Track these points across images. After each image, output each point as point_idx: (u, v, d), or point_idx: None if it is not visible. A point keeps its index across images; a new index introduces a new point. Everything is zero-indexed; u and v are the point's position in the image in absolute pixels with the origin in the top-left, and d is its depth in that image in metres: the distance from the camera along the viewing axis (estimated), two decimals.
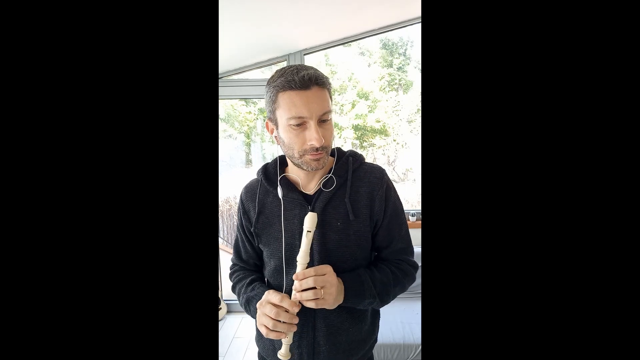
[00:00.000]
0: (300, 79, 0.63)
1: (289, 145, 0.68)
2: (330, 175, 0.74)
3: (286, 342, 0.67)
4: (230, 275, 0.87)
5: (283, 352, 0.67)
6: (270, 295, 0.67)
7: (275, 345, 0.77)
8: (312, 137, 0.65)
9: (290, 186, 0.75)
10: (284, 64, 2.28)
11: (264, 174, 0.78)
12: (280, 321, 0.65)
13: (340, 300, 0.68)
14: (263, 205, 0.77)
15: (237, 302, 0.83)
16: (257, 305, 0.69)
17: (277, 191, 0.75)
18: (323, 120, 0.66)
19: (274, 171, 0.78)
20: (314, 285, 0.64)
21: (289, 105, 0.64)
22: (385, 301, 0.74)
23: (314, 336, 0.74)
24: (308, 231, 0.64)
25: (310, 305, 0.64)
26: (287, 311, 0.65)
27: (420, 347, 1.69)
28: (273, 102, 0.67)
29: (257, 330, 0.84)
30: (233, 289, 0.84)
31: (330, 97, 0.69)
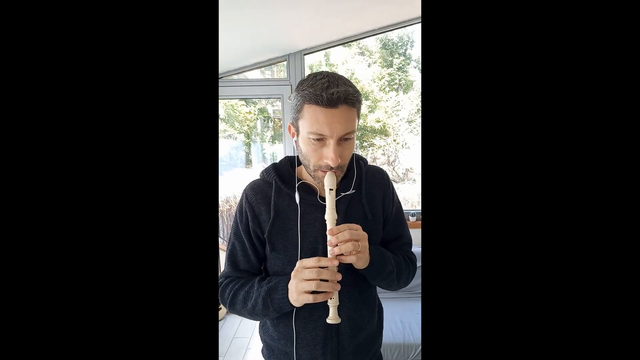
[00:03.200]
0: (328, 97, 0.60)
1: (305, 156, 0.68)
2: (353, 179, 0.75)
3: (333, 304, 0.65)
4: (223, 290, 0.76)
5: (332, 317, 0.65)
6: (304, 261, 0.64)
7: (294, 358, 0.75)
8: (329, 156, 0.64)
9: (307, 189, 0.74)
10: (284, 64, 2.28)
11: (277, 174, 0.75)
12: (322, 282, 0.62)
13: (367, 263, 0.67)
14: (279, 209, 0.73)
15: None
16: (292, 274, 0.65)
17: (294, 195, 0.73)
18: (345, 139, 0.65)
19: (288, 173, 0.76)
20: (350, 237, 0.62)
21: (311, 120, 0.63)
22: (399, 279, 0.75)
23: (339, 340, 0.74)
24: (330, 189, 0.66)
25: (350, 259, 0.63)
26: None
27: (420, 347, 1.69)
28: (298, 110, 0.65)
29: (266, 345, 0.81)
30: (233, 300, 0.74)
31: (358, 115, 0.67)
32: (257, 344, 2.16)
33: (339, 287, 0.63)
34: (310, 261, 0.63)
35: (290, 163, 0.78)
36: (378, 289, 0.84)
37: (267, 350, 0.81)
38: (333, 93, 0.60)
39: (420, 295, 2.03)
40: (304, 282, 0.62)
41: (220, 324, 2.41)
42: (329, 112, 0.61)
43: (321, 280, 0.61)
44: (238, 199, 0.78)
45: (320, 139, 0.64)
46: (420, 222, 2.31)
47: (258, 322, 0.83)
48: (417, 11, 1.99)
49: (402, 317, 1.85)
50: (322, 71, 0.66)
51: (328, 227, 0.64)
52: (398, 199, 0.83)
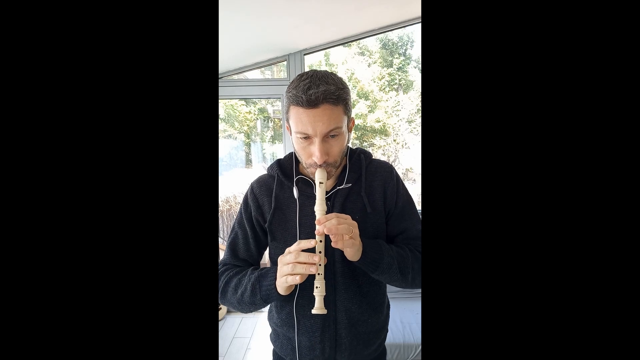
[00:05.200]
0: (308, 98, 0.63)
1: (298, 153, 0.72)
2: (352, 173, 0.77)
3: (319, 293, 0.64)
4: (220, 275, 0.78)
5: (317, 307, 0.64)
6: (289, 248, 0.65)
7: (295, 344, 0.78)
8: (315, 154, 0.67)
9: (307, 182, 0.77)
10: (284, 64, 2.28)
11: (279, 169, 0.79)
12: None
13: (360, 254, 0.67)
14: (279, 201, 0.77)
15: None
16: (279, 260, 0.67)
17: (293, 188, 0.76)
18: (332, 136, 0.67)
19: (290, 167, 0.80)
20: (337, 224, 0.62)
21: (296, 120, 0.66)
22: (404, 272, 0.71)
23: (336, 329, 0.76)
24: (320, 182, 0.67)
25: (339, 245, 0.62)
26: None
27: (420, 347, 1.69)
28: (286, 111, 0.70)
29: (273, 330, 0.85)
30: (225, 287, 0.75)
31: (346, 110, 0.68)
32: (257, 344, 2.16)
33: (314, 270, 0.62)
34: (293, 246, 0.64)
35: (294, 158, 0.81)
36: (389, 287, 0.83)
37: (274, 335, 0.85)
38: (312, 94, 0.63)
39: (420, 295, 2.04)
40: (284, 266, 0.64)
41: (220, 324, 2.41)
42: (311, 112, 0.64)
43: (300, 263, 0.62)
44: (238, 199, 0.84)
45: (307, 137, 0.67)
46: None
47: (259, 320, 0.84)
48: (417, 11, 1.99)
49: (402, 317, 1.85)
50: (310, 70, 0.68)
51: (317, 218, 0.65)
52: (406, 193, 0.80)
